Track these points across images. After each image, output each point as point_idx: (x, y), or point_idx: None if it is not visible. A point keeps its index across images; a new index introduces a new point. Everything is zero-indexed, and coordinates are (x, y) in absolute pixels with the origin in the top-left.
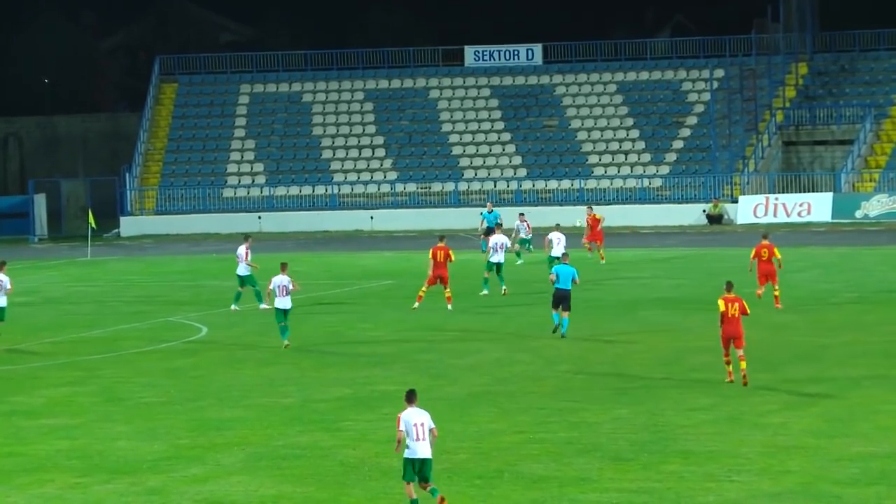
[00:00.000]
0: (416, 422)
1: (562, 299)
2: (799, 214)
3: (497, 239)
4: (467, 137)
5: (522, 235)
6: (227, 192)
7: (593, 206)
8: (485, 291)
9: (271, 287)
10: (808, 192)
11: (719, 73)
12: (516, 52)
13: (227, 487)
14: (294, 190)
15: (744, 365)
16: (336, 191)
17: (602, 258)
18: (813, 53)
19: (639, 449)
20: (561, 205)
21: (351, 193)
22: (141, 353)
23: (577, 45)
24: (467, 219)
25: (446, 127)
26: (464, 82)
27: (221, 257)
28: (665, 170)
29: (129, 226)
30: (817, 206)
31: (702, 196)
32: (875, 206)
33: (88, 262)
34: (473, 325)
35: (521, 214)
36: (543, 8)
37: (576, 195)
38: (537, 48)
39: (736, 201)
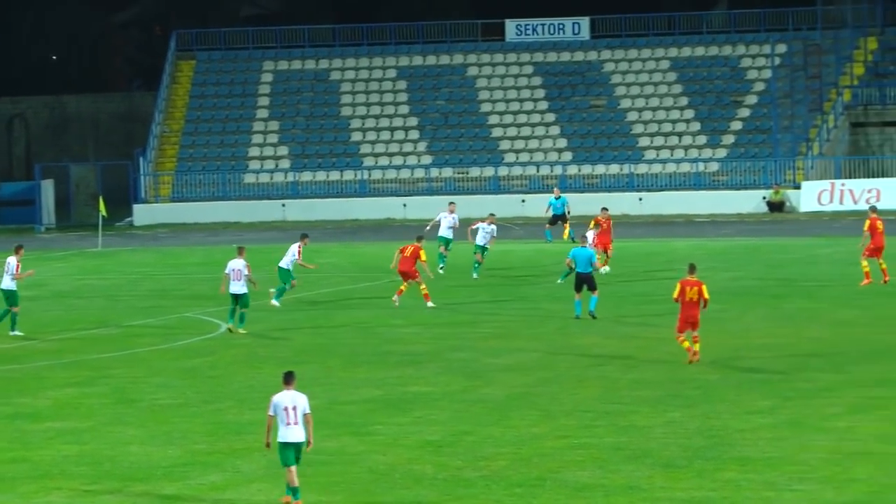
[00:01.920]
0: (287, 405)
1: (584, 282)
2: (867, 201)
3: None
4: (508, 118)
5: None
6: (249, 178)
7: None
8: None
9: (226, 271)
10: (878, 177)
11: (781, 48)
12: (561, 26)
13: (247, 496)
14: (321, 175)
15: (697, 346)
16: (366, 176)
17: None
18: (883, 27)
19: (692, 455)
20: (609, 191)
21: (382, 179)
22: (155, 352)
23: (626, 18)
24: (507, 206)
25: (485, 107)
26: (504, 59)
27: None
28: (722, 153)
29: (142, 214)
30: (887, 193)
31: (762, 182)
32: None
33: (99, 253)
34: (512, 321)
35: (492, 215)
36: None
37: (625, 181)
38: (584, 22)
39: (799, 187)
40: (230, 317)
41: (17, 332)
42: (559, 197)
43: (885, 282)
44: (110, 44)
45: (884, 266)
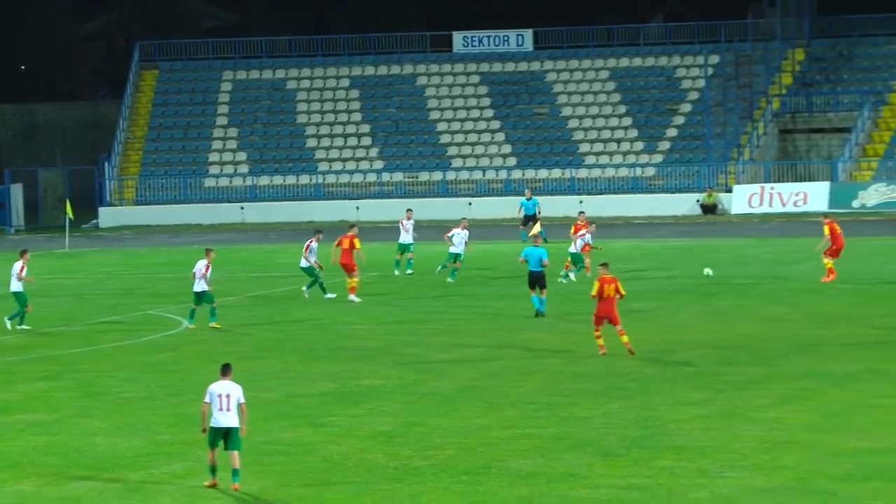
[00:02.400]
0: (221, 392)
1: (536, 280)
2: (795, 204)
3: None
4: (455, 125)
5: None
6: (209, 182)
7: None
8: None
9: (193, 270)
10: (805, 181)
11: (714, 59)
12: (506, 38)
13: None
14: (278, 179)
15: (626, 339)
16: (321, 180)
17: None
18: (810, 39)
19: (630, 444)
20: (551, 194)
21: (336, 183)
22: (120, 347)
23: (568, 30)
24: (455, 209)
25: (434, 115)
26: (452, 69)
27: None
28: (658, 158)
29: (107, 216)
30: (814, 196)
31: (695, 185)
32: (873, 196)
33: (66, 254)
34: (460, 318)
35: (464, 219)
36: None
37: (566, 185)
38: (527, 34)
39: (730, 191)
40: (190, 317)
41: (24, 327)
42: (530, 198)
43: (826, 281)
44: (77, 54)
45: (829, 266)
